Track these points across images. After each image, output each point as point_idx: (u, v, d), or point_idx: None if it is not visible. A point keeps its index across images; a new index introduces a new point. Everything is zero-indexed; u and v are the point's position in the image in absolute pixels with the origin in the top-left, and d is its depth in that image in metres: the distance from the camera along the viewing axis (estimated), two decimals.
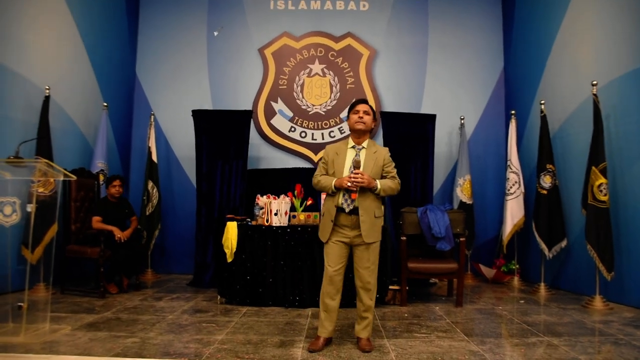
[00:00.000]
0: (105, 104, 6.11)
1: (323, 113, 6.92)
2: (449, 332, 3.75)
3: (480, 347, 3.36)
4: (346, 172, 3.38)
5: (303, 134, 6.90)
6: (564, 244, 5.37)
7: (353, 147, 3.48)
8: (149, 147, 6.34)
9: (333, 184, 3.35)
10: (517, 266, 6.10)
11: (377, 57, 6.98)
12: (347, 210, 3.36)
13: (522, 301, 5.04)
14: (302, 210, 5.14)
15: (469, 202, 6.38)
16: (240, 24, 6.99)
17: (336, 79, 6.96)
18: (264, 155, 6.82)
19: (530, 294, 5.41)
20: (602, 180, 4.64)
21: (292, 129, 6.90)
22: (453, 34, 6.97)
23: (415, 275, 4.88)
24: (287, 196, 5.16)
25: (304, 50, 6.98)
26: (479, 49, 6.98)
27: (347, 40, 6.99)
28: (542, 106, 5.55)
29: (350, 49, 6.99)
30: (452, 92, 6.92)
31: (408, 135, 6.19)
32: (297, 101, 6.94)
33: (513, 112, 6.15)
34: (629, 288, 4.68)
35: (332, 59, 6.97)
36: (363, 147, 3.46)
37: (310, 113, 6.93)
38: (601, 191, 4.64)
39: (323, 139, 6.89)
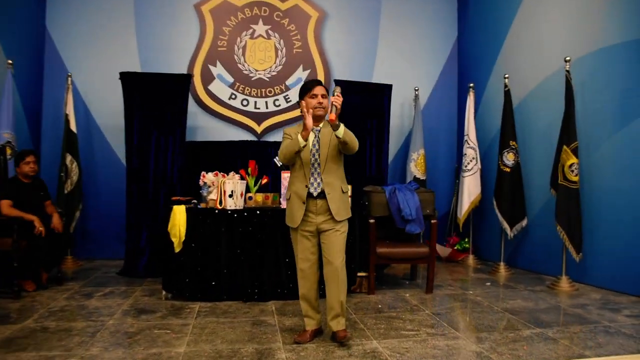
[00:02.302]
0: (10, 61, 5.04)
1: (267, 79, 6.28)
2: (437, 328, 3.43)
3: (480, 346, 3.06)
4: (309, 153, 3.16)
5: (245, 102, 6.23)
6: (524, 223, 5.26)
7: (311, 129, 3.16)
8: (66, 115, 5.37)
9: (299, 136, 3.06)
10: (469, 244, 5.97)
11: (327, 21, 6.41)
12: (314, 194, 3.13)
13: (488, 283, 4.88)
14: (257, 191, 4.57)
15: (422, 177, 6.12)
16: None
17: (282, 42, 6.31)
18: (201, 125, 6.08)
19: (490, 274, 5.28)
20: (574, 160, 4.50)
21: (233, 96, 6.21)
22: (407, 2, 6.55)
23: (385, 261, 4.53)
24: (240, 174, 4.56)
25: (246, 9, 6.23)
26: (432, 18, 6.64)
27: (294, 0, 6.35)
28: (506, 80, 5.32)
29: (298, 9, 6.35)
30: (405, 61, 6.54)
31: (363, 106, 5.75)
32: (239, 65, 6.22)
33: (471, 85, 5.89)
34: (592, 268, 4.64)
35: (278, 19, 6.30)
36: (319, 129, 3.20)
37: (253, 79, 6.25)
38: (572, 171, 4.50)
39: (267, 107, 6.27)
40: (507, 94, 5.32)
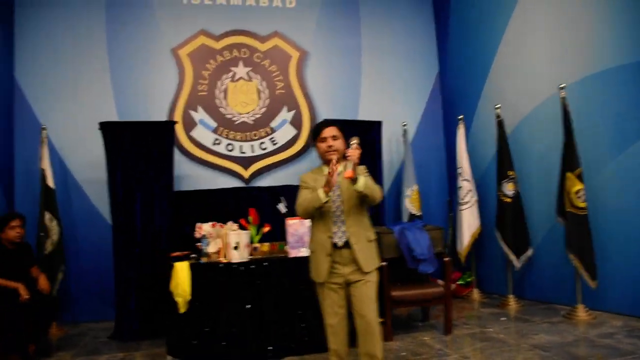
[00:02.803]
0: None
1: (251, 122, 6.08)
2: None
3: None
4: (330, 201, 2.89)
5: (230, 147, 6.00)
6: (529, 252, 5.16)
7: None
8: (42, 170, 4.99)
9: (321, 190, 2.79)
10: (473, 277, 5.83)
11: (308, 59, 6.32)
12: (339, 244, 2.86)
13: (504, 318, 4.71)
14: (259, 240, 4.31)
15: (418, 213, 5.98)
16: (149, 20, 5.88)
17: (264, 83, 6.16)
18: (186, 174, 5.78)
19: (500, 308, 5.12)
20: (580, 186, 4.46)
21: (217, 142, 5.96)
22: (386, 38, 6.55)
23: (401, 305, 4.30)
24: (239, 223, 4.30)
25: (225, 51, 6.07)
26: (413, 53, 6.65)
27: (274, 40, 6.23)
28: (498, 110, 5.31)
29: (278, 50, 6.24)
30: (389, 97, 6.50)
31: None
32: (221, 109, 6.01)
33: (460, 117, 5.87)
34: (607, 294, 4.55)
35: (259, 61, 6.16)
36: (339, 172, 2.87)
37: (236, 123, 6.04)
38: (579, 197, 4.46)
39: (253, 151, 6.05)
40: (500, 124, 5.30)
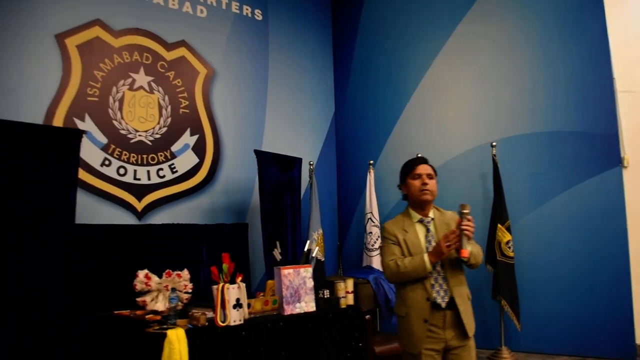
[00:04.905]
0: None
1: (150, 143, 4.95)
2: None
3: None
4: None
5: (122, 171, 4.74)
6: None
7: (420, 221, 2.66)
8: None
9: (427, 259, 2.46)
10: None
11: (216, 79, 5.52)
12: (443, 305, 2.51)
13: None
14: None
15: (322, 259, 5.69)
16: None
17: (167, 98, 5.12)
18: None
19: None
20: (509, 237, 4.91)
21: (107, 162, 4.65)
22: (291, 71, 6.22)
23: None
24: (211, 272, 3.37)
25: (124, 52, 4.86)
26: (314, 91, 6.47)
27: (181, 50, 5.27)
28: None
29: (185, 62, 5.30)
30: (292, 133, 6.13)
31: (279, 181, 5.10)
32: (114, 122, 4.74)
33: (371, 162, 5.88)
34: (529, 336, 4.98)
35: (163, 71, 5.11)
36: (432, 219, 2.68)
37: (132, 141, 4.84)
38: (509, 247, 4.88)
39: (149, 179, 4.91)
40: None
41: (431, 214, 2.70)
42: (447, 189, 5.55)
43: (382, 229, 2.68)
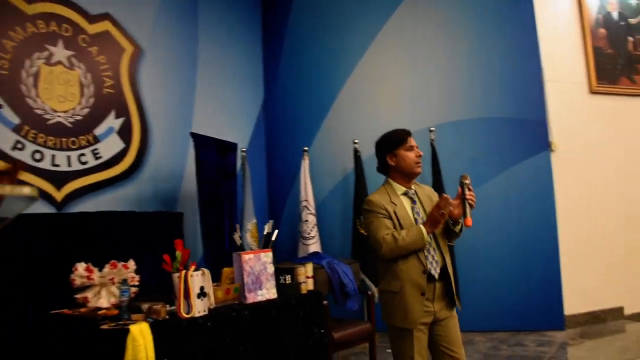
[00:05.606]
0: None
1: (69, 125, 4.44)
2: None
3: None
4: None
5: (38, 156, 4.20)
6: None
7: (405, 193, 2.63)
8: None
9: (424, 230, 2.42)
10: None
11: (142, 59, 5.07)
12: (436, 276, 2.50)
13: (389, 350, 4.74)
14: None
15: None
16: None
17: (89, 76, 4.62)
18: None
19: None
20: None
21: (19, 146, 4.09)
22: (221, 54, 5.90)
23: (341, 348, 3.83)
24: (164, 260, 3.06)
25: (39, 21, 4.29)
26: (243, 76, 6.20)
27: (105, 24, 4.78)
28: (356, 145, 5.48)
29: (109, 38, 4.81)
30: (221, 119, 5.82)
31: (215, 167, 4.83)
32: (28, 100, 4.18)
33: (306, 148, 5.75)
34: (462, 315, 5.14)
35: (85, 45, 4.60)
36: (414, 191, 2.67)
37: (49, 123, 4.30)
38: None
39: (70, 165, 4.40)
40: (358, 159, 5.47)
41: (414, 187, 2.66)
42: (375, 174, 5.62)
43: (368, 202, 2.57)
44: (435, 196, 2.70)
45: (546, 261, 4.81)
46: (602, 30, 5.57)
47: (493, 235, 5.04)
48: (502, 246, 5.02)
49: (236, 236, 3.38)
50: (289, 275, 3.34)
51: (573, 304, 4.88)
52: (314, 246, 5.52)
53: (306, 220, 5.59)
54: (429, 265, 2.47)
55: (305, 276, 3.49)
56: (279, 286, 3.31)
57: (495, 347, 4.51)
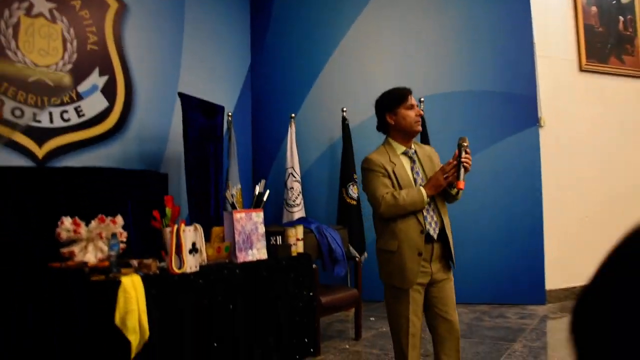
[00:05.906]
0: None
1: (51, 81, 4.28)
2: None
3: None
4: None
5: (18, 112, 4.04)
6: (365, 255, 5.37)
7: (405, 153, 2.58)
8: None
9: (424, 192, 2.40)
10: None
11: (127, 15, 4.90)
12: (435, 236, 2.47)
13: (373, 319, 4.78)
14: None
15: None
16: None
17: (72, 31, 4.44)
18: None
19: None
20: None
21: None
22: (208, 14, 5.73)
23: (327, 312, 3.84)
24: (154, 217, 3.00)
25: None
26: (230, 39, 6.05)
27: None
28: (344, 113, 5.43)
29: None
30: (208, 81, 5.68)
31: (202, 129, 4.73)
32: (8, 52, 4.01)
33: (293, 115, 5.67)
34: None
35: None
36: (414, 150, 2.62)
37: (31, 79, 4.13)
38: None
39: (52, 122, 4.26)
40: (346, 128, 5.42)
41: (414, 147, 2.62)
42: (374, 144, 5.56)
43: (367, 161, 2.52)
44: (436, 156, 2.67)
45: (530, 236, 4.86)
46: (594, 8, 5.55)
47: (478, 209, 5.07)
48: (487, 220, 5.06)
49: (228, 194, 3.33)
50: (280, 237, 3.31)
51: (555, 279, 4.97)
52: (299, 214, 5.50)
53: (292, 188, 5.56)
54: (427, 226, 2.44)
55: (296, 238, 3.46)
56: (270, 247, 3.28)
57: (478, 319, 4.58)
